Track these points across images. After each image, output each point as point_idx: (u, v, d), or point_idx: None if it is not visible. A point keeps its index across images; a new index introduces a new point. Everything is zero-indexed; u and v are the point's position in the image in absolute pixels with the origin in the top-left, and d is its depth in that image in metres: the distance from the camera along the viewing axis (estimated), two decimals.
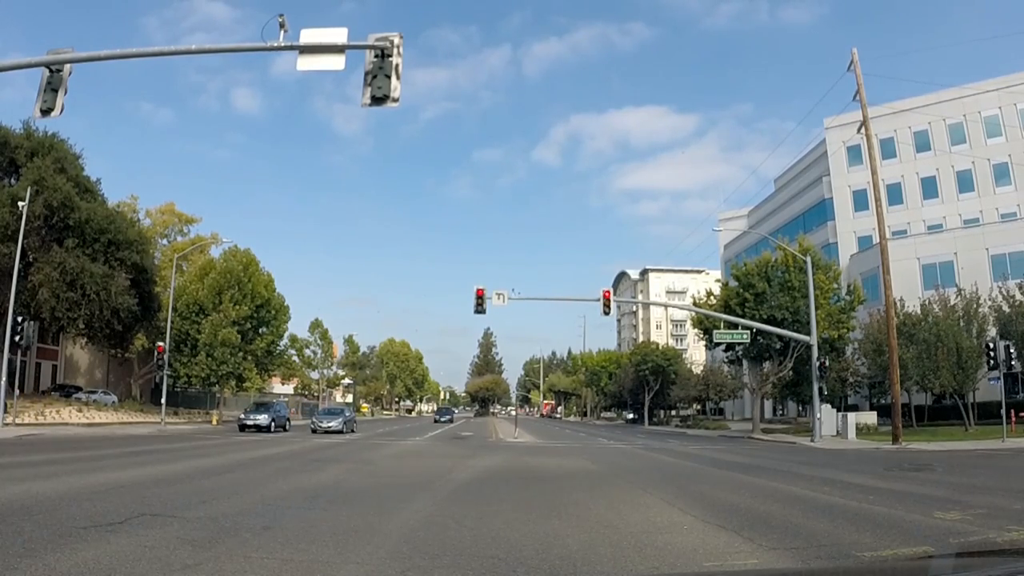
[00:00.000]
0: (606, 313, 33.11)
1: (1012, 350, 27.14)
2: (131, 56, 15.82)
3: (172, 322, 42.34)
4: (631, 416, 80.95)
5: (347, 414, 38.65)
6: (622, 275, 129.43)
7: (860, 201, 52.03)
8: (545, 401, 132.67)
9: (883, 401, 40.65)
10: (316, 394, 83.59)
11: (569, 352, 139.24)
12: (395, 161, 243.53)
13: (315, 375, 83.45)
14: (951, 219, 49.34)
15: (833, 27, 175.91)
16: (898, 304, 32.47)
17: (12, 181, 37.28)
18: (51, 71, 14.30)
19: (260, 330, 50.45)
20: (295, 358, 73.10)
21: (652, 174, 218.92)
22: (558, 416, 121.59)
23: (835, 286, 40.10)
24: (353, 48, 14.09)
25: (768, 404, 60.18)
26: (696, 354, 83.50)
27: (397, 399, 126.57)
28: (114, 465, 14.21)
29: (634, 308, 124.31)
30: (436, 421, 66.99)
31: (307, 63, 14.28)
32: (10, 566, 5.20)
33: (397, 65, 13.68)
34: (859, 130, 29.26)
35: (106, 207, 41.41)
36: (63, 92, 14.37)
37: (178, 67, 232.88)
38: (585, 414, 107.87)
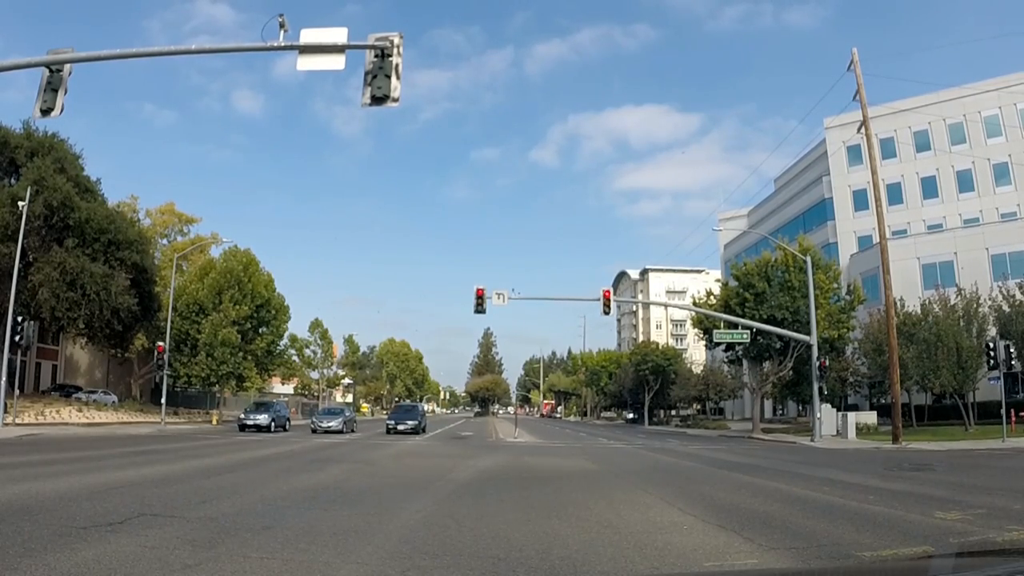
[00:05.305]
0: (606, 313, 33.15)
1: (1012, 350, 27.18)
2: (131, 56, 15.81)
3: (172, 322, 42.35)
4: (631, 416, 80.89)
5: (347, 414, 38.58)
6: (622, 275, 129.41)
7: (860, 201, 52.05)
8: (545, 401, 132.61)
9: (883, 401, 40.65)
10: (316, 394, 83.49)
11: (569, 352, 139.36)
12: (395, 162, 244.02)
13: (315, 375, 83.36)
14: (951, 219, 49.35)
15: (835, 28, 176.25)
16: (898, 304, 32.48)
17: (12, 181, 37.31)
18: (51, 71, 14.29)
19: (260, 330, 50.47)
20: (295, 358, 73.05)
21: (653, 174, 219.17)
22: (558, 416, 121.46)
23: (835, 286, 40.08)
24: (353, 48, 14.08)
25: (768, 404, 60.18)
26: (696, 354, 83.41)
27: (397, 399, 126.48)
28: (114, 465, 14.20)
29: (634, 308, 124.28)
30: (390, 430, 35.53)
31: (307, 63, 14.27)
32: (10, 566, 5.19)
33: (397, 65, 13.67)
34: (859, 130, 29.28)
35: (106, 207, 41.43)
36: (63, 92, 14.37)
37: (180, 69, 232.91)
38: (585, 414, 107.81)
